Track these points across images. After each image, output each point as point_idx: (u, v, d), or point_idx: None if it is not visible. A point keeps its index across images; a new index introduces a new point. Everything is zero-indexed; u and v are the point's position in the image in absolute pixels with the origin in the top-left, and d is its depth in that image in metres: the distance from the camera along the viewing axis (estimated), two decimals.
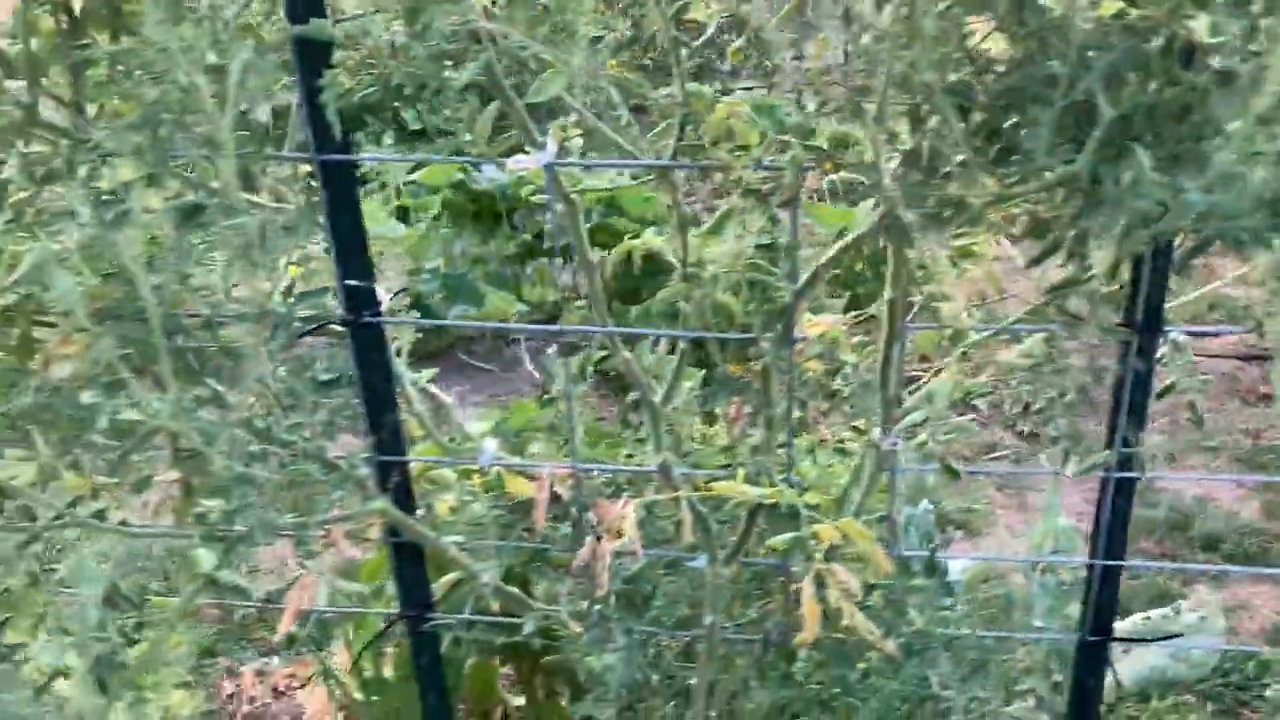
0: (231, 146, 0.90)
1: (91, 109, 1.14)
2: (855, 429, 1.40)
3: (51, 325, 1.28)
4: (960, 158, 0.84)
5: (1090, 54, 0.73)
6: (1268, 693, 2.43)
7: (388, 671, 1.81)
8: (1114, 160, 0.75)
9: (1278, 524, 3.07)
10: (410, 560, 1.38)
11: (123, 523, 1.05)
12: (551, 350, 2.26)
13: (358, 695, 1.86)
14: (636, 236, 4.41)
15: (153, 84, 0.86)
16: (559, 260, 4.50)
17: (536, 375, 2.17)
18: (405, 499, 1.33)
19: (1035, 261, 0.89)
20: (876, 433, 1.25)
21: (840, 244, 1.05)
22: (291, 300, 1.20)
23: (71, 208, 1.06)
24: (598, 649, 1.16)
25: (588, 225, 4.67)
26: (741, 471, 1.13)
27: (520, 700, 2.04)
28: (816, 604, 1.06)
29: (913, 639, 1.10)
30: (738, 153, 0.97)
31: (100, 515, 1.05)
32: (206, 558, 1.09)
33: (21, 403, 0.91)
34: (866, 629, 1.05)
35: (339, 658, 1.91)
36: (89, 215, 0.85)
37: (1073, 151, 0.78)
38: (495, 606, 1.40)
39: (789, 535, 1.08)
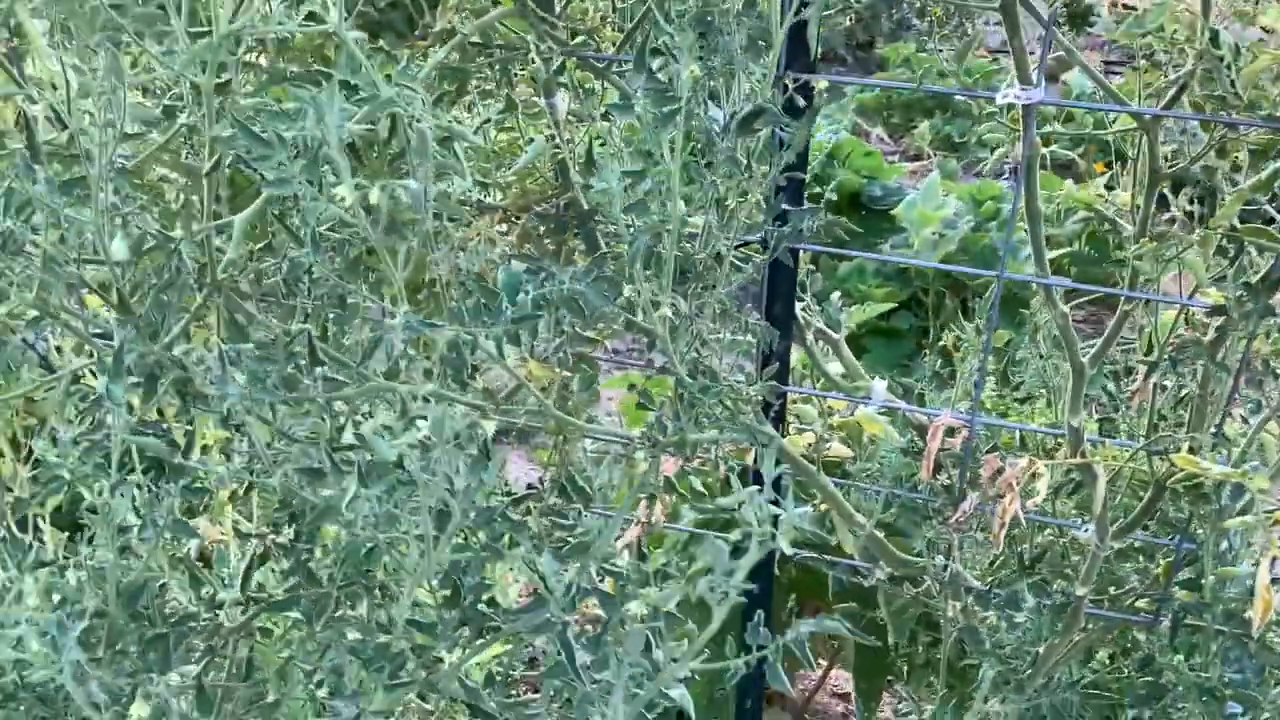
0: (778, 53, 0.88)
1: None
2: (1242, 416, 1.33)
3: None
4: None
5: None
6: None
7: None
8: None
9: None
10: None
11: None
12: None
13: None
14: (858, 189, 4.35)
15: None
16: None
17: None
18: (779, 429, 1.32)
19: None
20: None
21: None
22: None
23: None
24: (1008, 608, 1.14)
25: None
26: (1187, 445, 1.08)
27: None
28: (1269, 589, 1.01)
29: None
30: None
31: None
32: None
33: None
34: None
35: None
36: (641, 106, 0.85)
37: None
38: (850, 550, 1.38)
39: (1248, 518, 1.02)
